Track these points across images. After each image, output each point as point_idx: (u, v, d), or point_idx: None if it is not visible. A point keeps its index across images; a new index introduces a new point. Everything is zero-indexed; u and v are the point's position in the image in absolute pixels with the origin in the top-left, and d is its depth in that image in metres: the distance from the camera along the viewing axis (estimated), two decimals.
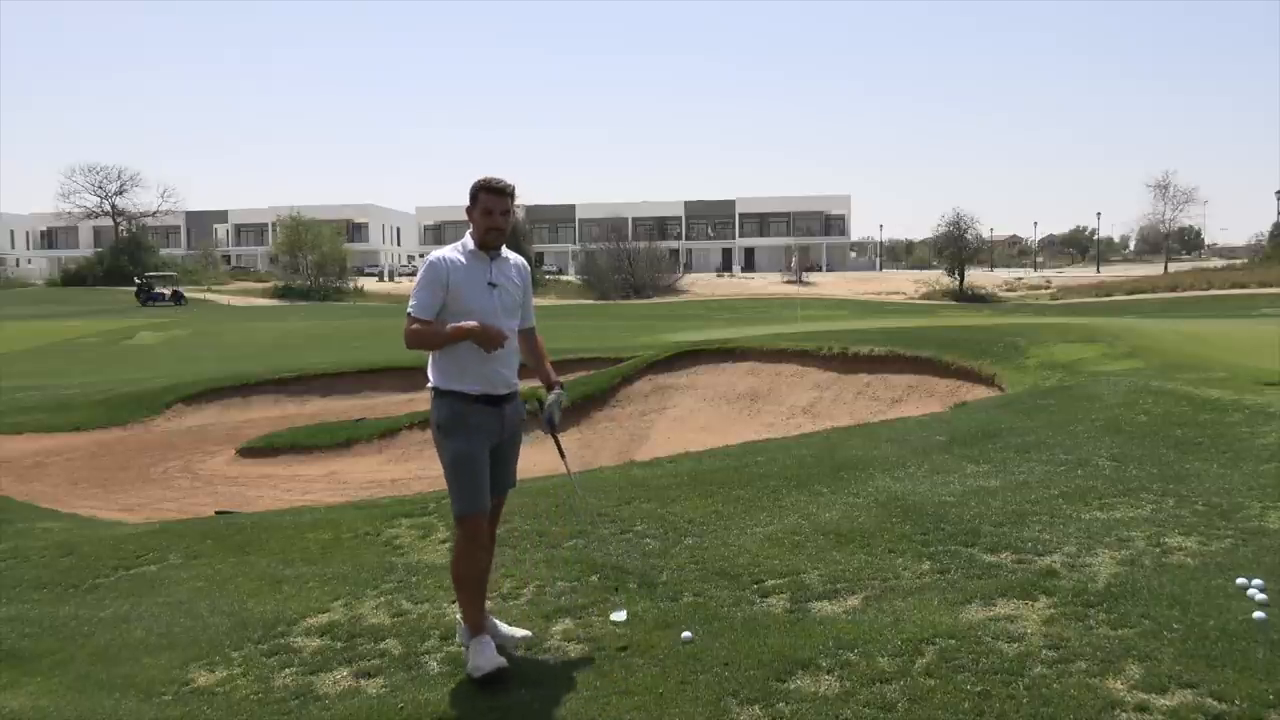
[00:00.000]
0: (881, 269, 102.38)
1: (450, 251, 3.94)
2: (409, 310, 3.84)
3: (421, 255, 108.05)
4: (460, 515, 3.93)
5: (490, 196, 3.91)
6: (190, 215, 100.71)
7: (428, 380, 3.96)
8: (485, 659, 3.77)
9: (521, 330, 4.10)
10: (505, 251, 4.04)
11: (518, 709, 3.51)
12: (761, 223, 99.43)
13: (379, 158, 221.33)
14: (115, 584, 5.69)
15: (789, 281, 74.03)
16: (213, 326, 40.93)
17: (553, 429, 4.13)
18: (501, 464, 4.03)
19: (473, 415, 3.88)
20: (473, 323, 3.77)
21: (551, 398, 4.12)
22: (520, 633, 4.11)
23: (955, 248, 65.61)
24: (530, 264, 4.27)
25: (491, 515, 4.06)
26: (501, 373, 3.93)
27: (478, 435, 3.89)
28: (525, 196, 76.87)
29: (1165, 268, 74.12)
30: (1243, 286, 51.02)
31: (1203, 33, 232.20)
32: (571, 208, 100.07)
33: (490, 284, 3.91)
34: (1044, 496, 5.82)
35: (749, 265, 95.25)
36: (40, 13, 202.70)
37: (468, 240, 3.96)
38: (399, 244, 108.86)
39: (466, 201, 3.96)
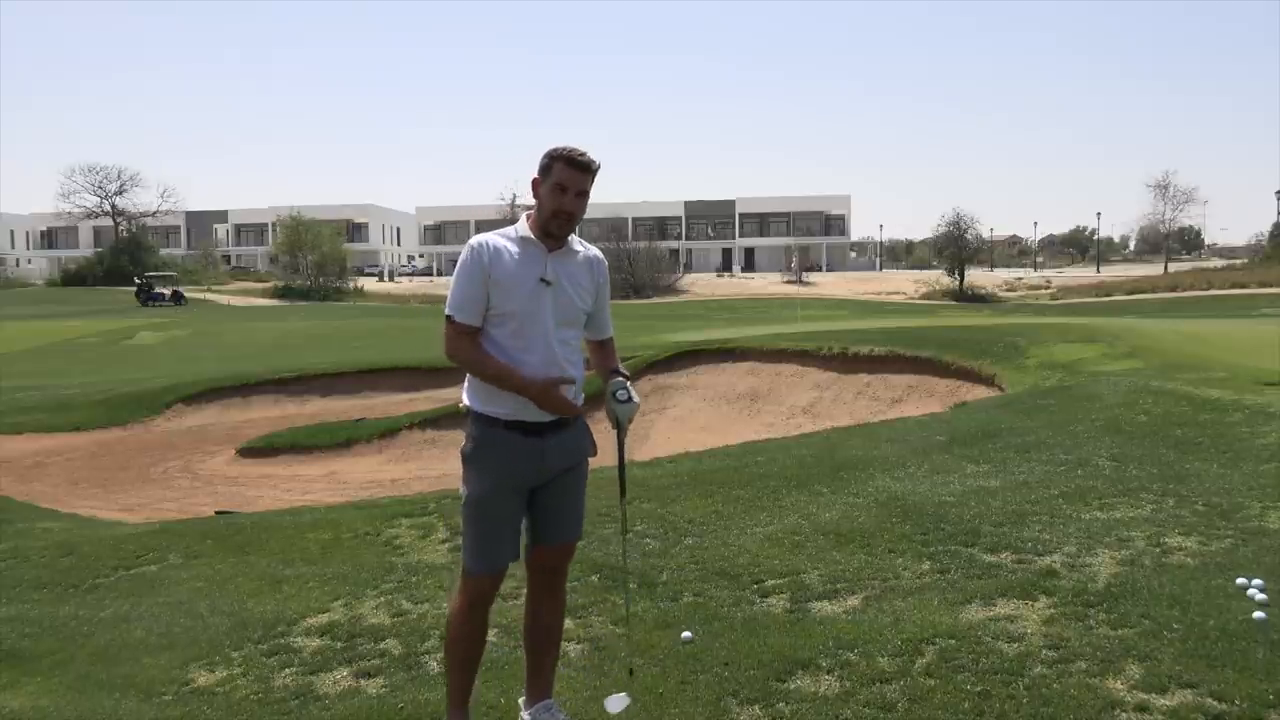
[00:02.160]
0: (881, 269, 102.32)
1: (497, 236, 3.09)
2: (447, 311, 3.05)
3: (422, 256, 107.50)
4: (466, 572, 3.15)
5: (568, 170, 3.02)
6: (190, 215, 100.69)
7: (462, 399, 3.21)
8: None
9: (594, 342, 3.30)
10: (575, 243, 3.15)
11: (518, 709, 3.50)
12: (761, 223, 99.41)
13: (379, 158, 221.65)
14: (115, 584, 5.69)
15: (789, 281, 74.00)
16: (213, 326, 40.91)
17: (619, 429, 3.26)
18: (552, 508, 3.19)
19: (500, 446, 3.06)
20: (533, 375, 2.98)
21: (611, 390, 3.19)
22: None
23: (955, 248, 65.54)
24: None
25: (547, 568, 3.26)
26: None
27: (505, 474, 3.07)
28: (525, 197, 77.20)
29: (1165, 268, 74.11)
30: (1243, 286, 50.96)
31: (1203, 33, 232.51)
32: None
33: (543, 280, 3.04)
34: (1044, 496, 5.82)
35: (749, 265, 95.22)
36: (40, 13, 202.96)
37: (522, 225, 3.11)
38: (399, 244, 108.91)
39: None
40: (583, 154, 3.04)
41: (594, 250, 3.23)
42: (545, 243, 3.08)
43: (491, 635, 4.13)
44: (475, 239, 3.09)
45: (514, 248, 3.06)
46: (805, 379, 15.30)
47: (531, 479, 3.12)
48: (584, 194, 3.06)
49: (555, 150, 3.05)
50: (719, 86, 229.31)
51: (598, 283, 3.20)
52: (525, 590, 3.38)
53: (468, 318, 3.03)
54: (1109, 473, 6.36)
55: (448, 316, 3.05)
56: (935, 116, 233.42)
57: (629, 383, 3.20)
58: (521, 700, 3.38)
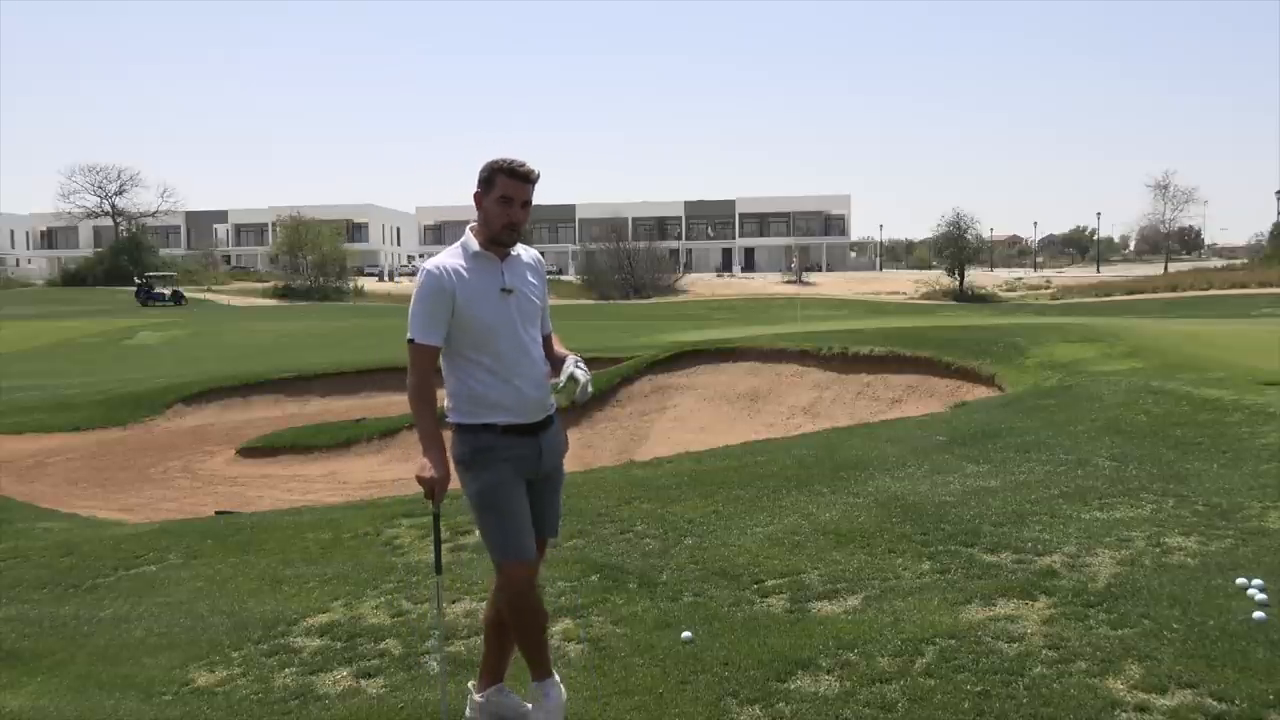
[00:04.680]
0: (881, 269, 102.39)
1: (450, 258, 3.22)
2: (409, 336, 3.15)
3: (422, 256, 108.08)
4: (500, 565, 3.24)
5: (511, 182, 3.16)
6: (190, 215, 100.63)
7: (445, 414, 3.26)
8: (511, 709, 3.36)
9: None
10: (517, 247, 3.32)
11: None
12: (761, 223, 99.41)
13: (379, 158, 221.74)
14: (115, 584, 5.70)
15: (789, 281, 73.98)
16: (213, 326, 40.92)
17: (572, 395, 3.28)
18: (536, 509, 3.31)
19: (503, 447, 3.20)
20: (439, 463, 3.15)
21: (575, 361, 3.30)
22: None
23: (955, 248, 65.55)
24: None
25: None
26: (531, 395, 3.22)
27: (510, 466, 3.21)
28: None
29: (1165, 268, 74.13)
30: (1243, 286, 50.93)
31: (1203, 33, 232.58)
32: (571, 208, 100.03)
33: (504, 290, 3.20)
34: (1044, 496, 5.82)
35: (749, 265, 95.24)
36: (40, 13, 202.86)
37: (469, 240, 3.24)
38: (399, 244, 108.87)
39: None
40: (523, 164, 3.19)
41: (532, 251, 3.40)
42: (496, 253, 3.23)
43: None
44: (431, 264, 3.20)
45: (470, 264, 3.20)
46: (805, 379, 15.29)
47: (533, 471, 3.27)
48: (528, 204, 3.22)
49: (496, 163, 3.18)
50: (719, 87, 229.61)
51: (543, 279, 3.40)
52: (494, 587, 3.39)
53: (430, 338, 3.15)
54: (1109, 473, 6.36)
55: (410, 340, 3.15)
56: (935, 117, 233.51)
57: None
58: (472, 684, 3.44)
